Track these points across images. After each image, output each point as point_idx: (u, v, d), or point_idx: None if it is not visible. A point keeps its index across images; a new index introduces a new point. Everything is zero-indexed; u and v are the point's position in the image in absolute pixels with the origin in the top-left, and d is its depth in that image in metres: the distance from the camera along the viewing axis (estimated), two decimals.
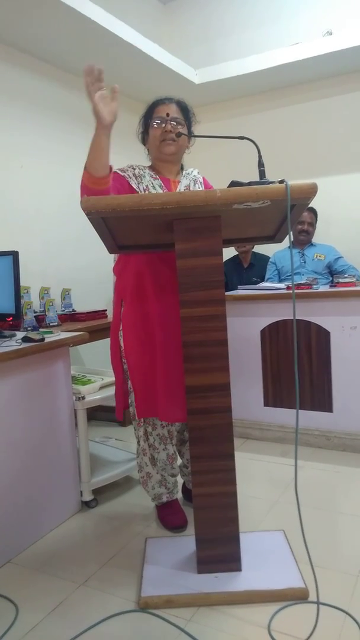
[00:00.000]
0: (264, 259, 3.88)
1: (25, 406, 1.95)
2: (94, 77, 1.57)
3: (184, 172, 2.02)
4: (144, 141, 2.01)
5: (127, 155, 2.95)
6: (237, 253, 3.94)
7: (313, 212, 3.62)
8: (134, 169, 1.93)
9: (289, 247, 1.62)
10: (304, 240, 3.62)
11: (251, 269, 3.89)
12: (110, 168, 1.69)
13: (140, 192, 1.85)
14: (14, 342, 1.97)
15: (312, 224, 3.63)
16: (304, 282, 2.94)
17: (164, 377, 1.88)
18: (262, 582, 1.59)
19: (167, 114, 1.89)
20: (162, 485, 2.04)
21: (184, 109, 1.95)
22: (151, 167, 1.99)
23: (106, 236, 1.68)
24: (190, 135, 1.95)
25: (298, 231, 3.59)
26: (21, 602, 1.61)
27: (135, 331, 1.91)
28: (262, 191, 1.45)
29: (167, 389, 1.88)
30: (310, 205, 3.51)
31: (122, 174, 1.90)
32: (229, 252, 3.89)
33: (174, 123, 1.89)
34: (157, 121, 1.90)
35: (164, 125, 1.89)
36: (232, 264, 3.91)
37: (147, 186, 1.88)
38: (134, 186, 1.87)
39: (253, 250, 3.92)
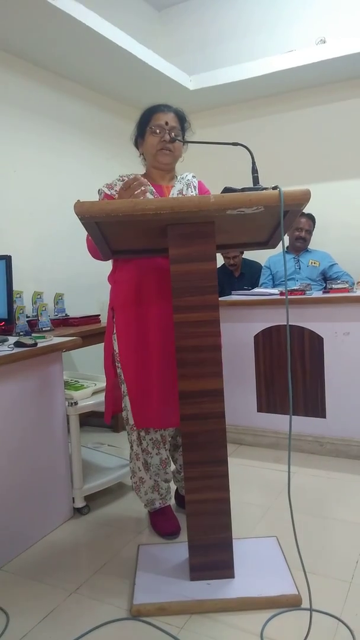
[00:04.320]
0: (255, 266, 3.88)
1: (17, 412, 1.93)
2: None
3: (178, 177, 2.03)
4: (137, 145, 2.01)
5: (119, 161, 2.97)
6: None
7: (311, 219, 3.64)
8: (124, 181, 1.93)
9: (283, 252, 1.62)
10: (300, 247, 3.63)
11: (242, 278, 3.89)
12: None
13: None
14: (6, 347, 1.96)
15: (310, 231, 3.64)
16: (298, 287, 2.95)
17: (158, 382, 1.88)
18: (255, 589, 1.58)
19: (166, 123, 1.89)
20: (155, 490, 2.03)
21: (182, 119, 1.96)
22: (145, 175, 1.99)
23: (100, 241, 1.68)
24: (184, 141, 1.95)
25: (295, 238, 3.60)
26: (12, 610, 1.60)
27: (129, 337, 1.91)
28: (256, 197, 1.46)
29: (161, 394, 1.87)
30: (308, 212, 3.57)
31: (110, 192, 1.90)
32: (219, 262, 3.89)
33: (173, 134, 1.89)
34: (156, 130, 1.90)
35: (162, 134, 1.89)
36: (224, 273, 3.91)
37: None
38: None
39: (243, 256, 3.92)
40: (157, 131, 1.89)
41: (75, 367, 3.35)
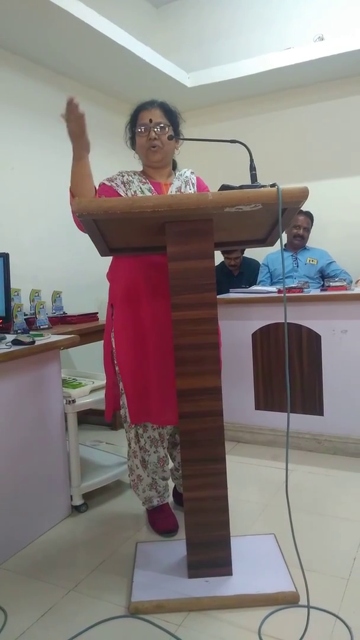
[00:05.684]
0: (253, 264, 3.88)
1: (14, 410, 1.93)
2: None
3: (176, 174, 2.02)
4: (133, 146, 2.00)
5: (118, 158, 2.95)
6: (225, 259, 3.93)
7: (309, 216, 3.63)
8: (123, 176, 1.93)
9: (281, 250, 1.63)
10: (298, 244, 3.63)
11: (241, 276, 3.89)
12: (95, 188, 1.79)
13: None
14: (3, 345, 1.96)
15: (308, 229, 3.64)
16: (295, 285, 2.95)
17: (156, 380, 1.88)
18: (253, 586, 1.59)
19: (150, 120, 1.88)
20: (153, 488, 2.03)
21: (168, 111, 1.94)
22: (142, 172, 1.99)
23: (98, 238, 1.68)
24: (178, 138, 1.94)
25: (293, 235, 3.60)
26: (10, 608, 1.60)
27: (126, 335, 1.91)
28: (254, 195, 1.45)
29: (159, 392, 1.87)
30: (306, 210, 3.57)
31: (110, 183, 1.90)
32: (217, 259, 3.87)
33: (158, 129, 1.87)
34: (141, 128, 1.88)
35: (147, 132, 1.88)
36: (222, 271, 3.90)
37: (135, 191, 1.88)
38: (122, 194, 1.87)
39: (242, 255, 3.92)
40: (143, 129, 1.88)
41: (73, 365, 3.34)
